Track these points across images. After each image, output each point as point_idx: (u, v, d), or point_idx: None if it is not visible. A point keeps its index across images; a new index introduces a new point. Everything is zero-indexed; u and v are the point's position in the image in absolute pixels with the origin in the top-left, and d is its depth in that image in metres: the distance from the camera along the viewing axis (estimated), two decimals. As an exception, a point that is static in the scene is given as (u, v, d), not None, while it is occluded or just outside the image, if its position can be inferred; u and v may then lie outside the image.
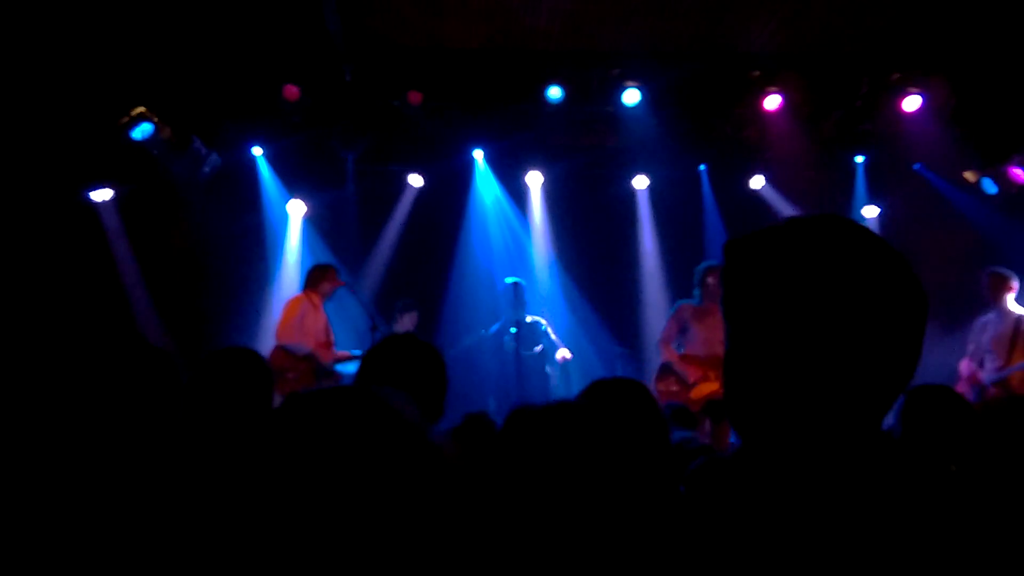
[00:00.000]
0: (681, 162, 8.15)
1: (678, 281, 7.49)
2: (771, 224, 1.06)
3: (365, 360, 2.39)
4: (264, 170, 8.04)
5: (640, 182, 8.42)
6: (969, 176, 7.58)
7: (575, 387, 7.15)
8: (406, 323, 7.15)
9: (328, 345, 6.54)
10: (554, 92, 7.37)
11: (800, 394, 0.98)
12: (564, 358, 7.03)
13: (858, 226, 1.04)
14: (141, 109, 6.79)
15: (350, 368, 6.53)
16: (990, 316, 6.44)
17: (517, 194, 8.47)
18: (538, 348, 7.14)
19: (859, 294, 0.98)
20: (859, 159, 8.10)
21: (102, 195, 7.38)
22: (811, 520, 0.92)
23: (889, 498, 0.93)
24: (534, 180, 8.35)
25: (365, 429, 0.84)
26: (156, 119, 6.86)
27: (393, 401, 0.89)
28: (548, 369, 7.18)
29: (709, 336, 6.17)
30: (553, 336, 7.19)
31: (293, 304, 6.45)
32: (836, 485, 0.94)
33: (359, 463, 0.81)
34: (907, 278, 1.00)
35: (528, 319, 7.16)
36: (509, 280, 7.25)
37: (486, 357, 7.34)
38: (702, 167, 8.39)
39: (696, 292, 6.36)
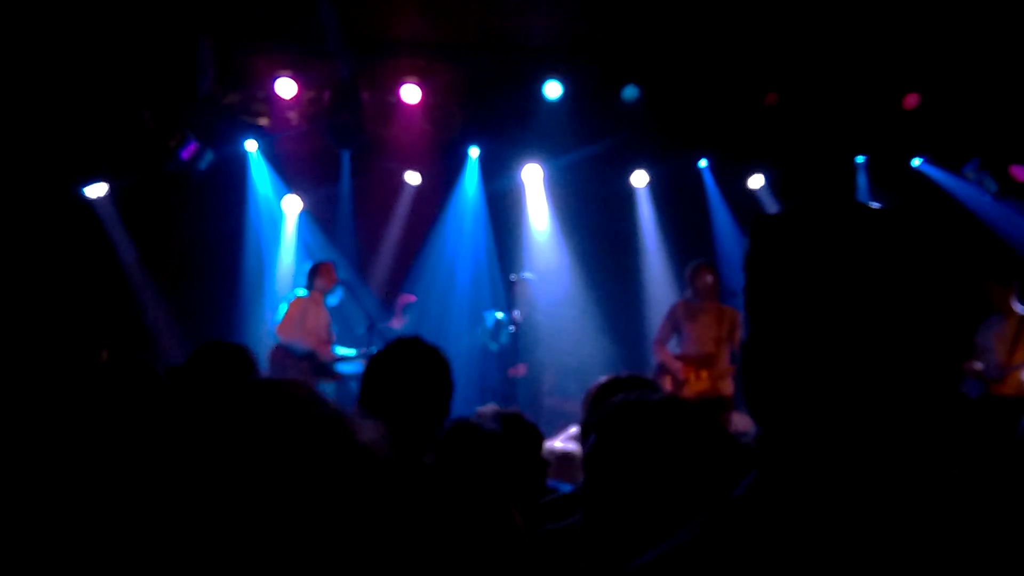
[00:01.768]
0: (682, 158, 8.12)
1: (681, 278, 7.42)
2: (799, 205, 1.01)
3: (371, 364, 2.39)
4: (259, 165, 7.97)
5: (641, 179, 8.37)
6: (968, 175, 7.59)
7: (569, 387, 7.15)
8: (404, 320, 7.11)
9: (329, 344, 6.51)
10: (553, 88, 7.31)
11: (830, 385, 0.94)
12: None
13: (897, 211, 1.00)
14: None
15: (351, 368, 6.52)
16: (995, 316, 6.47)
17: (515, 190, 8.41)
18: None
19: (905, 283, 0.93)
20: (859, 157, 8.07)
21: (97, 190, 7.27)
22: (841, 524, 0.89)
23: (923, 506, 0.90)
24: (532, 176, 8.28)
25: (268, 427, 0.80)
26: (150, 114, 6.79)
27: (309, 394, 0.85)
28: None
29: (701, 334, 6.21)
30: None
31: (296, 302, 6.50)
32: (869, 489, 0.91)
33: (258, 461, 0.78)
34: (959, 271, 0.96)
35: (520, 316, 7.14)
36: (517, 276, 7.22)
37: (480, 353, 7.34)
38: (703, 163, 8.34)
39: (688, 290, 6.37)
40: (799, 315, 0.95)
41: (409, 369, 2.29)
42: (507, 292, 7.21)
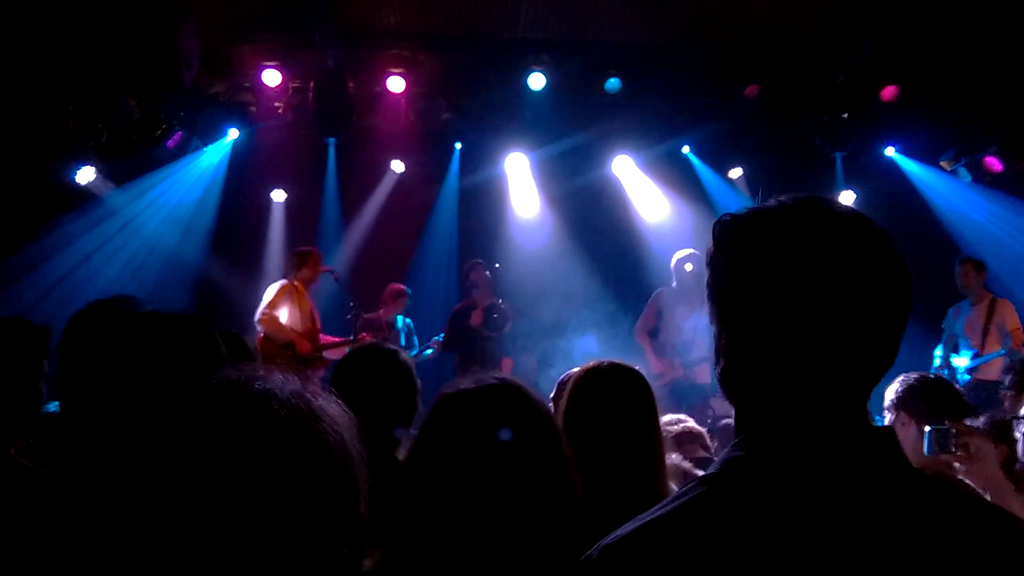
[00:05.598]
0: (665, 147, 8.16)
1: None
2: (758, 206, 1.07)
3: (334, 373, 2.53)
4: (245, 155, 7.96)
5: (626, 167, 8.41)
6: (944, 165, 7.68)
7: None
8: (394, 308, 7.09)
9: (315, 331, 6.52)
10: (536, 79, 7.37)
11: (789, 374, 1.01)
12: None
13: (845, 208, 1.07)
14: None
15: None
16: (964, 303, 6.59)
17: (499, 180, 8.44)
18: (505, 330, 7.16)
19: (846, 275, 1.00)
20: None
21: (86, 175, 7.21)
22: (809, 509, 0.95)
23: (884, 489, 0.97)
24: (516, 166, 8.31)
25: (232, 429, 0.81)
26: (136, 102, 6.78)
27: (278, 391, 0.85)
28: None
29: (680, 323, 6.28)
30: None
31: (274, 290, 6.40)
32: (826, 473, 0.97)
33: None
34: (894, 260, 1.03)
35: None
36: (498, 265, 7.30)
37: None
38: (687, 150, 8.40)
39: (674, 280, 6.46)
40: (769, 312, 1.01)
41: (368, 376, 2.42)
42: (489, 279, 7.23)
